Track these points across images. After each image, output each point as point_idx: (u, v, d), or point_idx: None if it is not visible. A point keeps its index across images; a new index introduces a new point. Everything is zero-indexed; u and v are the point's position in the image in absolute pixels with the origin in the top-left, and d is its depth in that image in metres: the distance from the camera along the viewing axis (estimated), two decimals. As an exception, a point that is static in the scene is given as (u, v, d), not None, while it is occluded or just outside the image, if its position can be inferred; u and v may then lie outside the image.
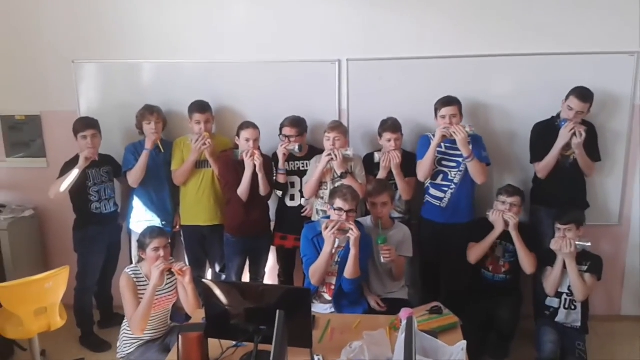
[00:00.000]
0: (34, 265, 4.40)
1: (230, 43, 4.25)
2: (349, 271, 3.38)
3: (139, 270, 3.30)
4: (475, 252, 3.83)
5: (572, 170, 3.90)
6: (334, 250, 3.40)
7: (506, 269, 3.88)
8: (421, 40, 4.12)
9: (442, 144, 3.88)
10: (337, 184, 3.84)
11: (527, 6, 4.00)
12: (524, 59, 4.05)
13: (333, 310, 3.49)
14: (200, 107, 4.05)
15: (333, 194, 3.47)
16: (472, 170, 3.83)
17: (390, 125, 3.91)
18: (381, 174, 3.92)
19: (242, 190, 3.89)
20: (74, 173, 3.92)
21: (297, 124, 4.02)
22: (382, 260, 3.47)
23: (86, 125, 4.00)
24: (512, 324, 3.76)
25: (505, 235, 3.79)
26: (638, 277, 4.38)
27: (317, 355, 2.74)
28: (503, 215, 3.71)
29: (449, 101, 3.83)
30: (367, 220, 3.73)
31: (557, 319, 3.71)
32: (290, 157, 4.03)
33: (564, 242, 3.53)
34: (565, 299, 3.68)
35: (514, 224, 3.69)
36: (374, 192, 3.62)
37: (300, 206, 4.12)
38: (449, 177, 3.92)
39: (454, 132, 3.72)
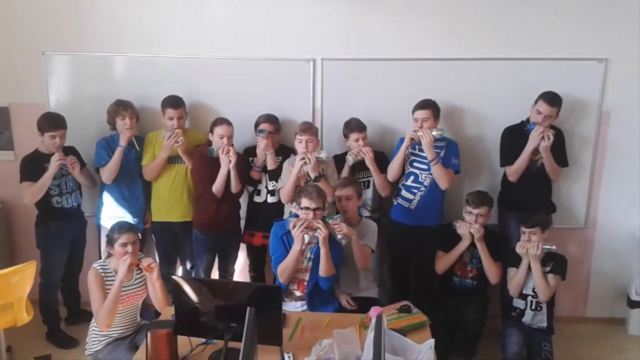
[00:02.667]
0: (0, 260, 4.31)
1: (205, 39, 4.23)
2: (323, 269, 3.40)
3: (107, 266, 3.26)
4: (442, 263, 3.88)
5: (540, 174, 3.97)
6: (303, 247, 3.41)
7: (473, 274, 3.92)
8: (396, 41, 4.15)
9: (416, 146, 3.93)
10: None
11: (500, 12, 4.06)
12: (496, 63, 4.11)
13: (305, 308, 3.50)
14: (173, 102, 4.02)
15: (299, 193, 3.47)
16: (435, 174, 3.87)
17: (356, 126, 3.94)
18: (345, 171, 3.94)
19: (217, 187, 3.88)
20: (48, 177, 3.87)
21: (274, 120, 4.06)
22: (338, 237, 3.40)
23: (57, 125, 3.90)
24: (479, 324, 3.80)
25: (473, 241, 3.85)
26: (603, 279, 4.48)
27: (287, 353, 2.74)
28: (469, 228, 3.75)
29: (423, 104, 3.87)
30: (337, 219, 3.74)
31: (523, 320, 3.77)
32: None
33: (530, 244, 3.59)
34: (531, 301, 3.73)
35: (479, 237, 3.73)
36: (339, 186, 3.67)
37: (266, 202, 4.11)
38: (419, 179, 3.96)
39: (421, 136, 3.77)
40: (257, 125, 4.06)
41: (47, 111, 4.15)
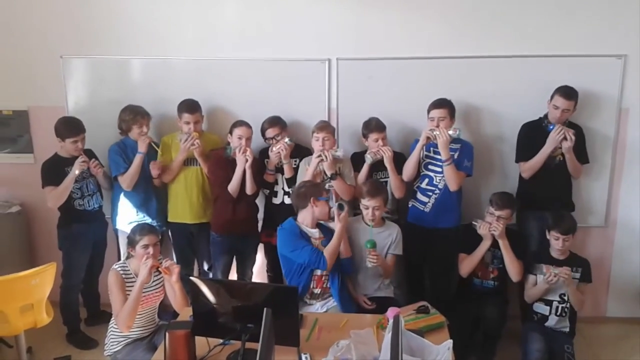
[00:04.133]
0: (20, 262, 4.36)
1: (221, 40, 4.24)
2: (344, 250, 3.48)
3: (127, 267, 3.28)
4: (466, 265, 3.81)
5: (558, 171, 3.93)
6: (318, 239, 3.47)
7: (495, 275, 3.87)
8: (411, 40, 4.13)
9: (430, 148, 3.90)
10: (326, 186, 3.85)
11: (517, 8, 4.03)
12: (514, 60, 4.07)
13: (334, 304, 3.50)
14: (189, 107, 4.03)
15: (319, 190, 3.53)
16: (446, 175, 3.83)
17: (375, 126, 3.92)
18: (364, 170, 3.92)
19: (233, 186, 3.89)
20: (71, 179, 3.89)
21: (277, 122, 4.06)
22: (368, 264, 3.48)
23: (78, 129, 3.92)
24: (499, 323, 3.76)
25: (494, 241, 3.81)
26: (623, 278, 4.42)
27: (305, 354, 2.74)
28: (489, 228, 3.69)
29: (439, 103, 3.85)
30: (358, 221, 3.73)
31: (546, 324, 3.70)
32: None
33: (561, 279, 3.46)
34: (557, 307, 3.66)
35: (500, 233, 3.66)
36: (367, 195, 3.58)
37: (283, 203, 4.11)
38: (434, 182, 3.93)
39: (437, 135, 3.74)
40: (263, 131, 4.07)
41: (64, 116, 4.12)
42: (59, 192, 3.91)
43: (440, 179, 3.91)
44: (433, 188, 3.94)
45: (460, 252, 3.88)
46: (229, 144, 3.97)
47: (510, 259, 3.71)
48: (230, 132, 3.96)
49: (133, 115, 4.06)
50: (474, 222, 3.78)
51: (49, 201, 3.95)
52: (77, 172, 3.89)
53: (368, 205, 3.58)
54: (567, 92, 3.78)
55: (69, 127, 3.93)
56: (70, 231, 4.06)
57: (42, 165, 3.98)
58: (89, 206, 4.08)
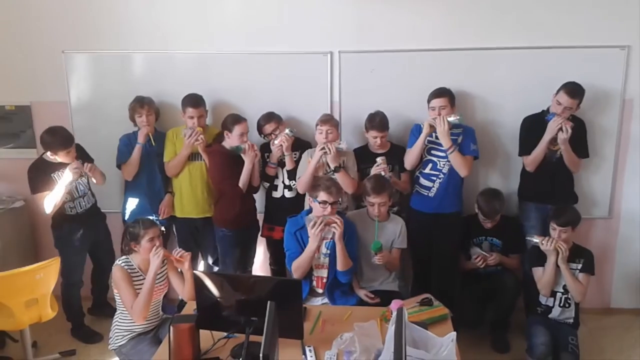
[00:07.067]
0: (24, 257, 4.39)
1: (222, 34, 4.24)
2: (340, 264, 3.40)
3: (130, 262, 3.27)
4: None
5: (560, 164, 3.92)
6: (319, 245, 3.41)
7: (497, 261, 3.91)
8: (414, 33, 4.12)
9: (434, 134, 3.87)
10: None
11: (520, 0, 4.01)
12: (516, 52, 4.06)
13: (325, 301, 3.50)
14: (193, 101, 4.03)
15: (316, 186, 3.44)
16: (453, 162, 3.83)
17: (378, 124, 3.90)
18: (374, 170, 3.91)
19: (244, 181, 3.87)
20: (64, 185, 3.80)
21: (272, 117, 4.06)
22: (375, 261, 3.52)
23: (70, 140, 3.80)
24: (516, 290, 3.84)
25: (489, 232, 3.88)
26: (628, 269, 4.42)
27: (308, 347, 2.74)
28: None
29: (439, 93, 3.84)
30: (363, 214, 3.72)
31: (550, 316, 3.69)
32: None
33: (554, 244, 3.47)
34: (561, 297, 3.65)
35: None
36: (372, 192, 3.54)
37: (284, 197, 4.11)
38: (438, 167, 3.92)
39: (437, 124, 3.73)
40: (260, 128, 4.07)
41: (50, 128, 3.83)
42: (53, 198, 3.78)
43: (444, 164, 3.89)
44: (437, 173, 3.93)
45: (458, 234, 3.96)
46: (222, 139, 3.95)
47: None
48: (227, 129, 3.91)
49: (134, 104, 4.09)
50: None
51: (46, 208, 3.81)
52: (70, 179, 3.80)
53: (373, 202, 3.56)
54: (573, 90, 3.73)
55: (62, 140, 3.77)
56: (62, 232, 4.00)
57: (30, 171, 3.85)
58: (81, 208, 4.01)
